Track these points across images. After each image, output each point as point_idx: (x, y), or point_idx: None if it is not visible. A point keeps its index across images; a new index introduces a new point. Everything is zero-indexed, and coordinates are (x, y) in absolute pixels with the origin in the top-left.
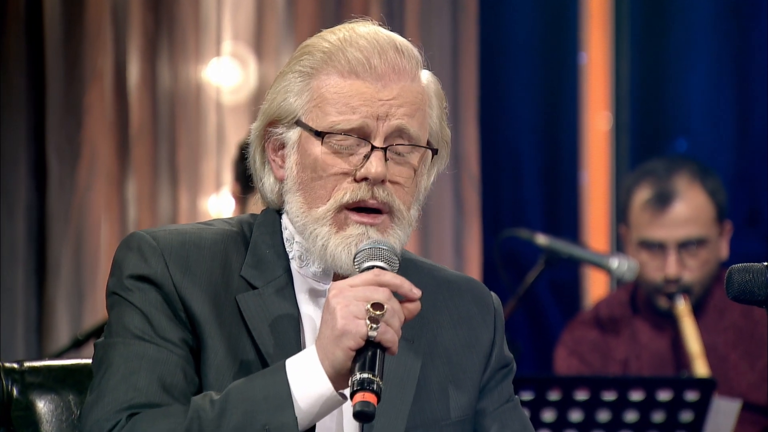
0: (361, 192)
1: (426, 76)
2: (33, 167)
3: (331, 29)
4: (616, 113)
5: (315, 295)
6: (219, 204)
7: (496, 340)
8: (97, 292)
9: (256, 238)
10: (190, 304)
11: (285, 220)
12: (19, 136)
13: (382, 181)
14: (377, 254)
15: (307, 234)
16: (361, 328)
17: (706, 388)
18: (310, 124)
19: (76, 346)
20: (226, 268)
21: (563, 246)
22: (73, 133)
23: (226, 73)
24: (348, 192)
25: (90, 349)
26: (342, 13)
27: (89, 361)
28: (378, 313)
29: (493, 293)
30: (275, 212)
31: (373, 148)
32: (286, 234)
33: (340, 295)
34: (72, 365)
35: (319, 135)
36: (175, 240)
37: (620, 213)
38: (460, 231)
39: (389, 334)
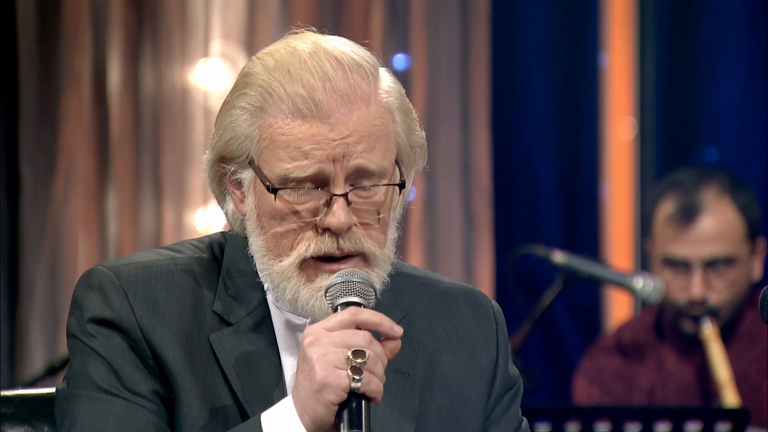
0: (325, 245)
1: (385, 85)
2: (5, 179)
3: (269, 49)
4: (640, 120)
5: (293, 329)
6: (207, 218)
7: (500, 360)
8: None
9: (228, 266)
10: (160, 350)
11: None
12: None
13: (349, 228)
14: (350, 288)
15: (275, 285)
16: (342, 380)
17: (739, 418)
18: (263, 169)
19: (51, 373)
20: (198, 303)
21: (583, 264)
22: (49, 141)
23: (214, 76)
24: (311, 245)
25: None
26: (342, 11)
27: None
28: (360, 361)
29: (493, 301)
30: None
31: (333, 196)
32: (259, 264)
33: (317, 343)
34: (47, 394)
35: (273, 191)
36: (140, 276)
37: (645, 227)
38: (470, 248)
39: (373, 383)
